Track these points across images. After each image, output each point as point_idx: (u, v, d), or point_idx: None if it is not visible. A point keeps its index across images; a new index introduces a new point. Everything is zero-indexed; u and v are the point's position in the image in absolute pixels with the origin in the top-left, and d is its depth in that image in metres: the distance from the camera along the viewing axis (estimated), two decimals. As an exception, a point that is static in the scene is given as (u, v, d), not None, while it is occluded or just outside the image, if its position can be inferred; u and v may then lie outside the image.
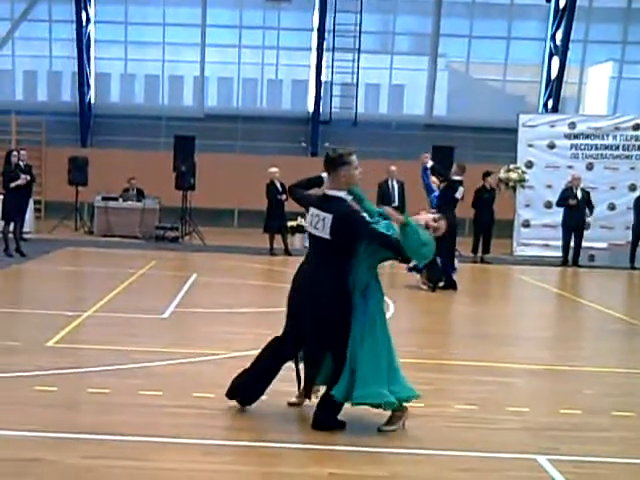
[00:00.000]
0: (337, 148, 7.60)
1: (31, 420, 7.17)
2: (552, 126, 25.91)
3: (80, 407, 7.85)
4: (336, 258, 7.38)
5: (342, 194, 7.45)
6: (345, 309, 7.32)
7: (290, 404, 7.84)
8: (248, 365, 7.77)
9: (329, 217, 7.31)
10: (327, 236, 7.32)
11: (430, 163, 17.45)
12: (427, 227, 7.52)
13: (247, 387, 7.73)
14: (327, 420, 7.38)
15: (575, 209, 23.36)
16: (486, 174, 23.74)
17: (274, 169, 23.28)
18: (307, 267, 7.60)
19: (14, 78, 33.84)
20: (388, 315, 13.42)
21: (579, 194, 23.47)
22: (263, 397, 7.89)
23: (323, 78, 32.40)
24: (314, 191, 7.85)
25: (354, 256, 7.39)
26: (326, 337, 7.40)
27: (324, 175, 7.62)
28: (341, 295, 7.33)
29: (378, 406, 7.33)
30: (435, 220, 7.69)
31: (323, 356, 7.52)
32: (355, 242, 7.36)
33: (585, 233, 23.77)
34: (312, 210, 7.52)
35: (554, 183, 24.98)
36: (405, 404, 7.44)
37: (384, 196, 23.09)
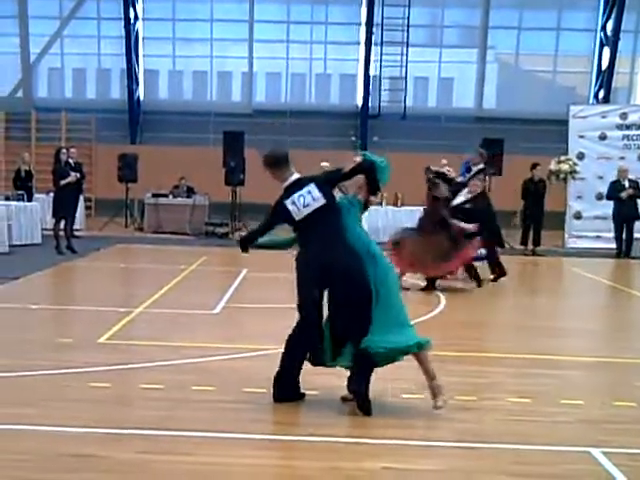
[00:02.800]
0: (268, 152, 8.18)
1: (84, 416, 7.20)
2: (603, 117, 25.69)
3: (133, 403, 7.87)
4: (336, 221, 7.58)
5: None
6: (364, 268, 7.47)
7: (343, 399, 7.80)
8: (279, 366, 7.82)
9: (312, 185, 7.61)
10: (323, 200, 7.56)
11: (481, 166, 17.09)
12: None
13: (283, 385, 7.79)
14: (358, 385, 7.45)
15: (626, 201, 23.14)
16: (534, 166, 23.57)
17: (325, 163, 22.90)
18: (317, 249, 7.66)
19: (63, 76, 34.17)
20: (439, 309, 13.52)
21: (627, 185, 23.26)
22: (315, 392, 7.89)
23: (372, 72, 32.37)
24: None
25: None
26: (358, 305, 7.47)
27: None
28: (358, 255, 7.51)
29: (399, 353, 7.50)
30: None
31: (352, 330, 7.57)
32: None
33: (637, 224, 23.50)
34: (291, 199, 7.66)
35: (606, 174, 24.71)
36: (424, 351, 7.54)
37: (434, 189, 22.95)
